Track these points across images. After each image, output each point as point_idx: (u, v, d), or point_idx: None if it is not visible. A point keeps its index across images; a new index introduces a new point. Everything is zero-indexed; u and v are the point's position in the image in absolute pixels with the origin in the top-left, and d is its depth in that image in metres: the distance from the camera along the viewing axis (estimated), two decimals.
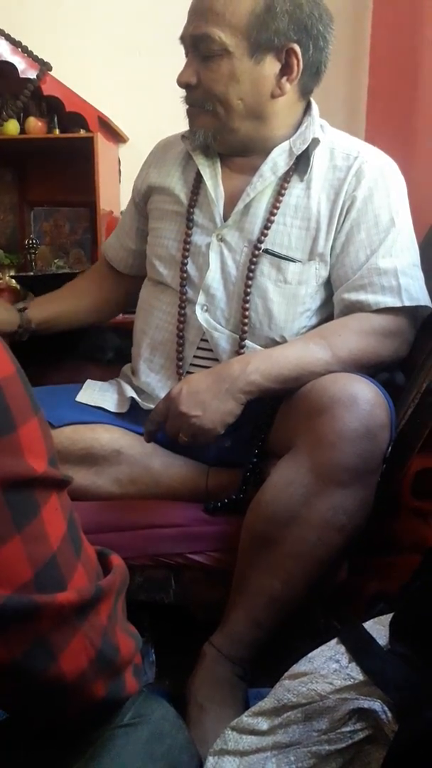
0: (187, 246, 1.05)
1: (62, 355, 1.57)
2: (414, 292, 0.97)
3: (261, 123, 0.99)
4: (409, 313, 0.98)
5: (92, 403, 1.07)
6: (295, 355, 0.92)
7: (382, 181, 0.99)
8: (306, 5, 0.93)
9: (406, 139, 1.44)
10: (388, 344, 0.96)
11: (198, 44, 0.94)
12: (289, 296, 1.00)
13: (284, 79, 0.96)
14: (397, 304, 0.96)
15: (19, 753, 0.53)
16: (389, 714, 0.58)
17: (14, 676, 0.44)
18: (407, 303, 0.96)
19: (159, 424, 0.92)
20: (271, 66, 0.94)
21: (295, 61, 0.94)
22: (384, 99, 1.58)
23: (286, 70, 0.95)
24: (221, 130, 0.99)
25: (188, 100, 1.00)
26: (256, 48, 0.93)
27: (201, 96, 0.97)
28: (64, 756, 0.52)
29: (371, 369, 0.93)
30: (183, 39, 0.98)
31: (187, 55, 0.98)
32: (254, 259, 1.00)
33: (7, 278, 1.80)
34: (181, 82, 0.97)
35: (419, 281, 0.98)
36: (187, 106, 1.01)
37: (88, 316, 1.26)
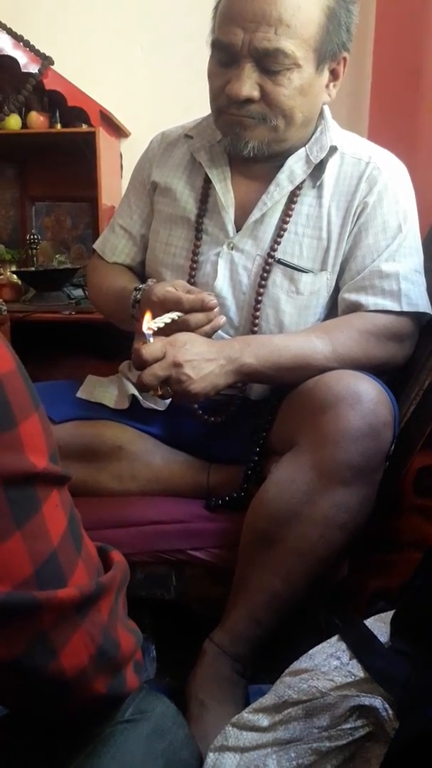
0: (196, 257, 1.02)
1: (63, 350, 1.57)
2: (414, 298, 0.96)
3: (305, 130, 0.97)
4: (411, 317, 0.97)
5: (93, 399, 1.07)
6: (296, 345, 0.92)
7: (392, 186, 0.98)
8: (354, 13, 0.92)
9: (408, 136, 1.43)
10: (390, 347, 0.96)
11: (265, 58, 0.87)
12: (301, 307, 1.00)
13: (331, 85, 0.95)
14: (396, 308, 0.95)
15: (19, 749, 0.53)
16: (390, 711, 0.58)
17: (15, 673, 0.44)
18: (406, 308, 0.95)
19: (146, 362, 0.84)
20: (326, 75, 0.93)
21: (342, 68, 0.94)
22: (387, 96, 1.57)
23: (333, 76, 0.95)
24: (275, 141, 0.94)
25: (244, 112, 0.91)
26: (321, 60, 0.90)
27: (262, 110, 0.90)
28: (64, 752, 0.52)
29: (371, 370, 0.92)
30: (232, 47, 0.88)
31: (231, 63, 0.89)
32: (267, 268, 0.99)
33: (9, 273, 1.80)
34: (242, 97, 0.89)
35: (420, 287, 0.98)
36: (235, 117, 0.92)
37: None
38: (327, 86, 0.95)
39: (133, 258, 1.15)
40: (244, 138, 0.93)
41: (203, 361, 0.86)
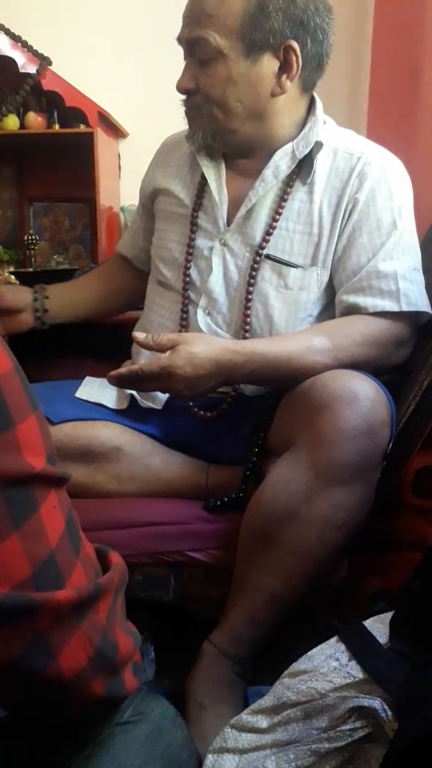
0: (191, 249, 1.04)
1: (61, 351, 1.56)
2: (413, 297, 0.95)
3: (262, 122, 0.97)
4: (410, 317, 0.97)
5: (92, 400, 1.07)
6: (297, 357, 0.90)
7: (385, 182, 0.97)
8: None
9: (407, 136, 1.43)
10: (390, 351, 0.95)
11: (193, 48, 0.93)
12: (290, 302, 0.99)
13: (284, 77, 0.93)
14: (395, 308, 0.95)
15: (18, 751, 0.53)
16: (389, 712, 0.58)
17: (13, 675, 0.43)
18: (405, 308, 0.95)
19: (139, 379, 0.89)
20: (269, 65, 0.92)
21: (293, 58, 0.92)
22: (385, 97, 1.57)
23: (285, 67, 0.93)
24: (220, 132, 0.97)
25: (187, 104, 0.98)
26: (251, 48, 0.90)
27: (199, 101, 0.95)
28: (63, 754, 0.52)
29: (370, 372, 0.92)
30: (180, 42, 0.96)
31: (185, 58, 0.96)
32: (255, 265, 0.99)
33: (7, 274, 1.79)
34: (180, 88, 0.96)
35: (419, 285, 0.97)
36: (185, 108, 0.99)
37: (97, 305, 1.24)
38: (278, 78, 0.93)
39: (128, 250, 1.25)
40: (191, 128, 0.99)
41: (200, 380, 0.89)
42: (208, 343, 0.90)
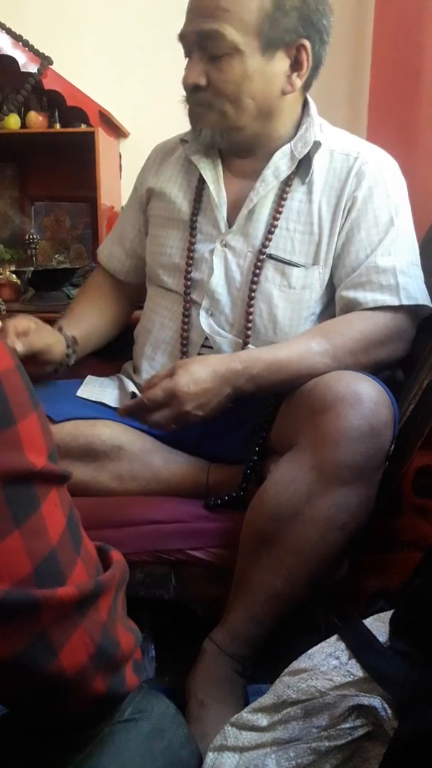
0: (191, 254, 1.04)
1: None
2: (412, 291, 0.96)
3: (268, 120, 0.97)
4: (410, 312, 0.97)
5: (93, 399, 1.07)
6: (297, 360, 0.91)
7: (382, 180, 0.98)
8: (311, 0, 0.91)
9: (407, 136, 1.43)
10: (390, 346, 0.96)
11: (206, 42, 0.91)
12: (294, 301, 1.00)
13: (294, 75, 0.94)
14: (395, 302, 0.95)
15: (18, 748, 0.53)
16: (389, 711, 0.58)
17: (14, 671, 0.44)
18: (405, 302, 0.95)
19: (147, 409, 0.89)
20: (281, 63, 0.93)
21: (305, 57, 0.93)
22: (386, 96, 1.57)
23: (296, 65, 0.94)
24: (228, 129, 0.97)
25: (195, 100, 0.96)
26: (267, 45, 0.91)
27: (210, 97, 0.94)
28: (63, 751, 0.52)
29: (371, 369, 0.93)
30: (184, 38, 0.94)
31: (187, 55, 0.95)
32: (258, 264, 0.99)
33: (8, 273, 1.79)
34: (189, 84, 0.94)
35: (418, 280, 0.98)
36: (190, 106, 0.98)
37: (110, 332, 1.23)
38: (289, 76, 0.94)
39: (123, 263, 1.20)
40: (198, 126, 0.98)
41: (206, 393, 0.88)
42: (200, 360, 0.91)
